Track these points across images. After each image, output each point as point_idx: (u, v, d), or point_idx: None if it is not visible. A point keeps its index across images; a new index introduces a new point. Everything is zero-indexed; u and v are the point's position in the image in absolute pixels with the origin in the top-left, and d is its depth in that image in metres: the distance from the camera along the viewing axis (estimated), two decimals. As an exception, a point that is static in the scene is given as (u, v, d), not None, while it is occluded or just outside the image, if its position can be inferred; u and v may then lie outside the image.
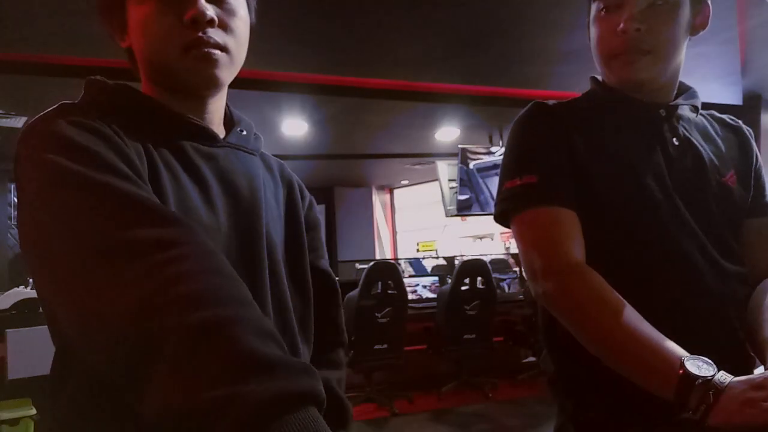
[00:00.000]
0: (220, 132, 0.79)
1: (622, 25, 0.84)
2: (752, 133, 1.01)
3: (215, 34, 0.70)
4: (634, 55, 0.85)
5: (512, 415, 3.98)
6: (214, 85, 0.74)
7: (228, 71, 0.74)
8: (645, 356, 0.71)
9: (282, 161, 0.91)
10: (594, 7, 0.89)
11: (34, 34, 2.91)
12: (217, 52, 0.71)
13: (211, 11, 0.70)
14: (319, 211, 0.93)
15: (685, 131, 0.93)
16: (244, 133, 0.82)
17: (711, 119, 1.00)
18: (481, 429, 3.76)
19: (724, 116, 1.03)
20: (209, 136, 0.75)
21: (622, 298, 0.76)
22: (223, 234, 0.69)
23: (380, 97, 4.15)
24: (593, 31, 0.90)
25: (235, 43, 0.74)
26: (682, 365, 0.67)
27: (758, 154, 0.99)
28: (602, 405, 0.84)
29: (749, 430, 0.61)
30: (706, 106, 0.97)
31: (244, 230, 0.72)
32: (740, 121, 1.03)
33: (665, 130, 0.92)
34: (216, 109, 0.79)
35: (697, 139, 0.93)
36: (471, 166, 5.38)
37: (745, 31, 3.23)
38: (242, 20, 0.75)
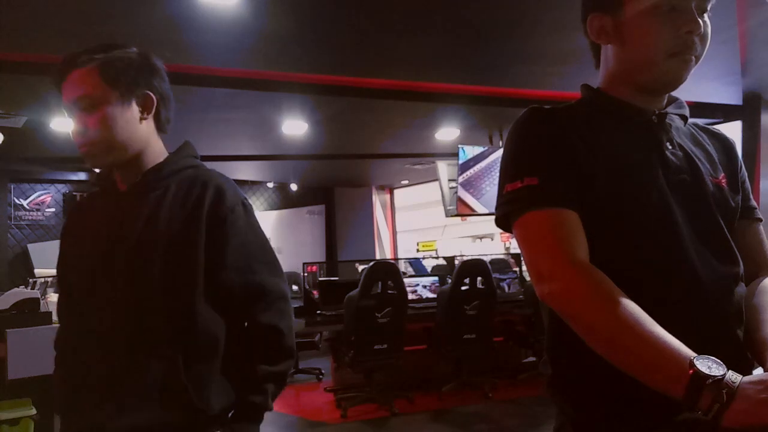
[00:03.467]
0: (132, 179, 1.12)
1: (691, 27, 0.85)
2: (734, 142, 1.05)
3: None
4: (692, 56, 0.88)
5: (512, 415, 3.99)
6: (97, 167, 1.12)
7: (102, 158, 1.07)
8: (653, 356, 0.70)
9: (216, 180, 1.11)
10: (649, 2, 0.87)
11: (35, 34, 2.91)
12: (87, 148, 1.06)
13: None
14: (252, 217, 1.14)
15: (676, 137, 0.94)
16: (142, 178, 1.11)
17: (696, 128, 1.02)
18: (481, 429, 3.76)
19: (707, 126, 1.05)
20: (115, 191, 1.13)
21: (628, 297, 0.76)
22: (98, 251, 1.06)
23: (380, 97, 4.16)
24: (649, 25, 0.87)
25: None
26: (691, 365, 0.66)
27: (742, 162, 1.02)
28: (602, 407, 0.84)
29: (764, 431, 0.61)
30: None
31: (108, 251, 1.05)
32: (722, 131, 1.06)
33: (660, 134, 0.92)
34: (130, 171, 1.11)
35: (688, 145, 0.95)
36: (471, 165, 5.37)
37: (745, 31, 3.24)
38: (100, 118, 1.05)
